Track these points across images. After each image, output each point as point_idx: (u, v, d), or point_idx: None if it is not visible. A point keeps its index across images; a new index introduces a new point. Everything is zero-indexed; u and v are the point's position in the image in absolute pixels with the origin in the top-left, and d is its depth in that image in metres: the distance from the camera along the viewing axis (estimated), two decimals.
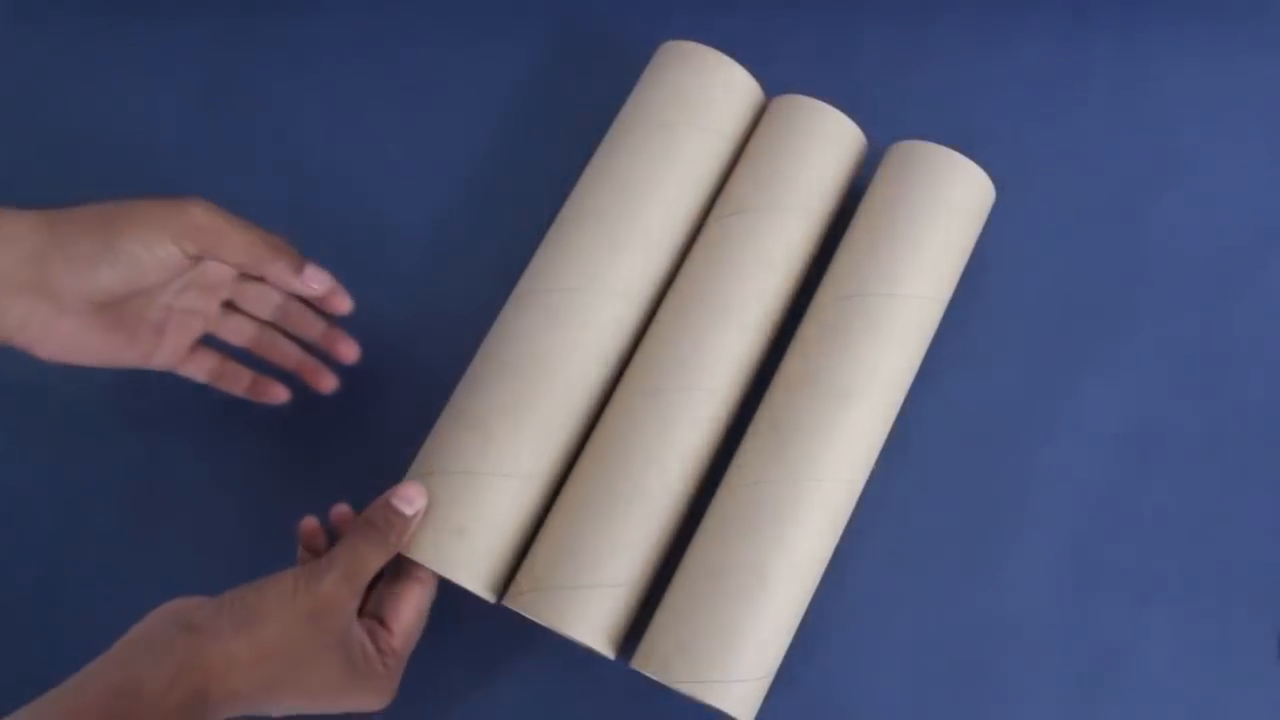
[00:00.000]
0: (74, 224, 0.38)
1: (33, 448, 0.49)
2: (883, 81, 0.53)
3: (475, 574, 0.41)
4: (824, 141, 0.47)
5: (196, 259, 0.40)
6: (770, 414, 0.43)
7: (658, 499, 0.42)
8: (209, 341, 0.45)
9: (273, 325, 0.46)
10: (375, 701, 0.39)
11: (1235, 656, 0.45)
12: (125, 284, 0.38)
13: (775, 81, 0.49)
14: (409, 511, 0.40)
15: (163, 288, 0.42)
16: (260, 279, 0.43)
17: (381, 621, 0.41)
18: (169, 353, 0.43)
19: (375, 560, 0.39)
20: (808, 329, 0.45)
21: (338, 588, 0.38)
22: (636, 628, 0.43)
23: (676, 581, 0.42)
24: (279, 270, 0.41)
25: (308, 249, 0.43)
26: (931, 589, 0.46)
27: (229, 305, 0.45)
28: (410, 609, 0.41)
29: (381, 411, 0.49)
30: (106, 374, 0.44)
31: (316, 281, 0.43)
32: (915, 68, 0.54)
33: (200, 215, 0.38)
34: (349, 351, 0.45)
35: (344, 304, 0.45)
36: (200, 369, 0.45)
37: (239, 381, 0.46)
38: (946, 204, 0.45)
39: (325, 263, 0.44)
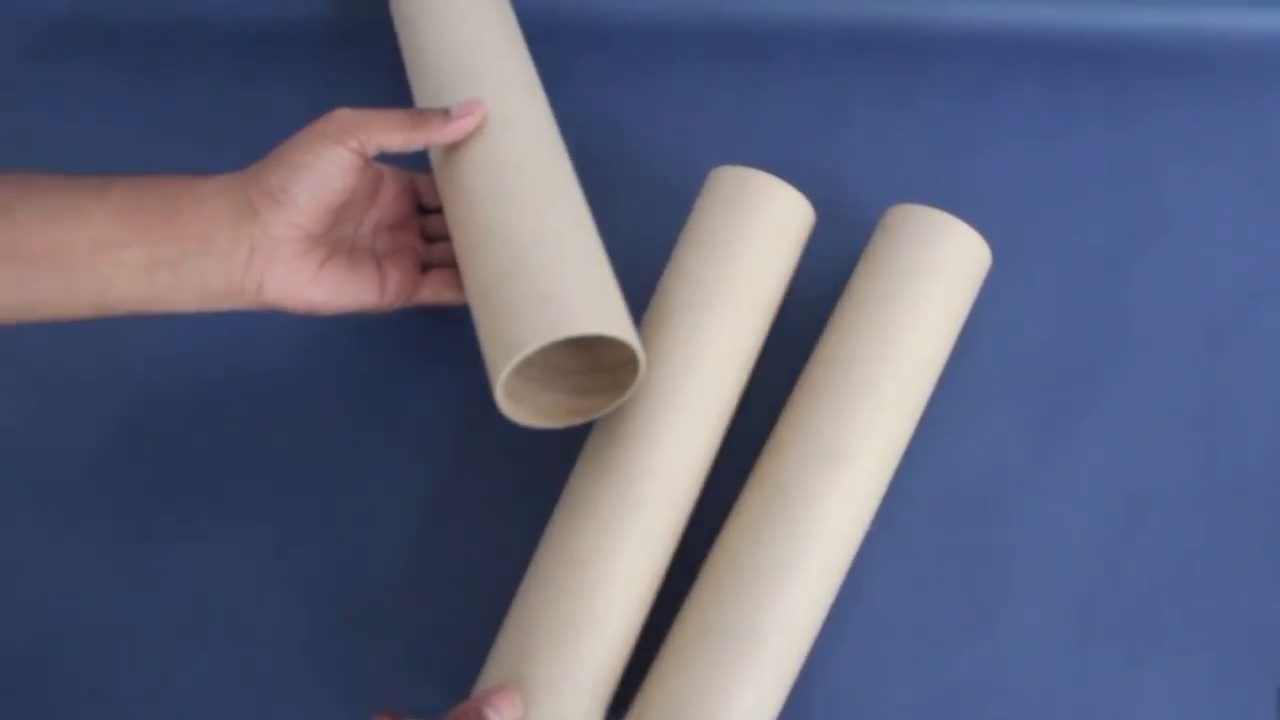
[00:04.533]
0: (256, 166, 0.41)
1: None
2: (873, 146, 0.54)
3: None
4: (769, 219, 0.46)
5: (363, 155, 0.42)
6: (764, 476, 0.43)
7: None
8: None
9: None
10: None
11: (1235, 713, 0.45)
12: (317, 199, 0.41)
13: (767, 150, 0.49)
14: None
15: (357, 208, 0.46)
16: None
17: None
18: (397, 286, 0.45)
19: None
20: (803, 391, 0.45)
21: None
22: (627, 686, 0.42)
23: (667, 645, 0.42)
24: (432, 130, 0.43)
25: None
26: (927, 650, 0.46)
27: (430, 240, 0.49)
28: None
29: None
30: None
31: (469, 116, 0.44)
32: (904, 132, 0.54)
33: (345, 113, 0.42)
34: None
35: None
36: (439, 288, 0.47)
37: None
38: (943, 268, 0.45)
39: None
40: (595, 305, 0.40)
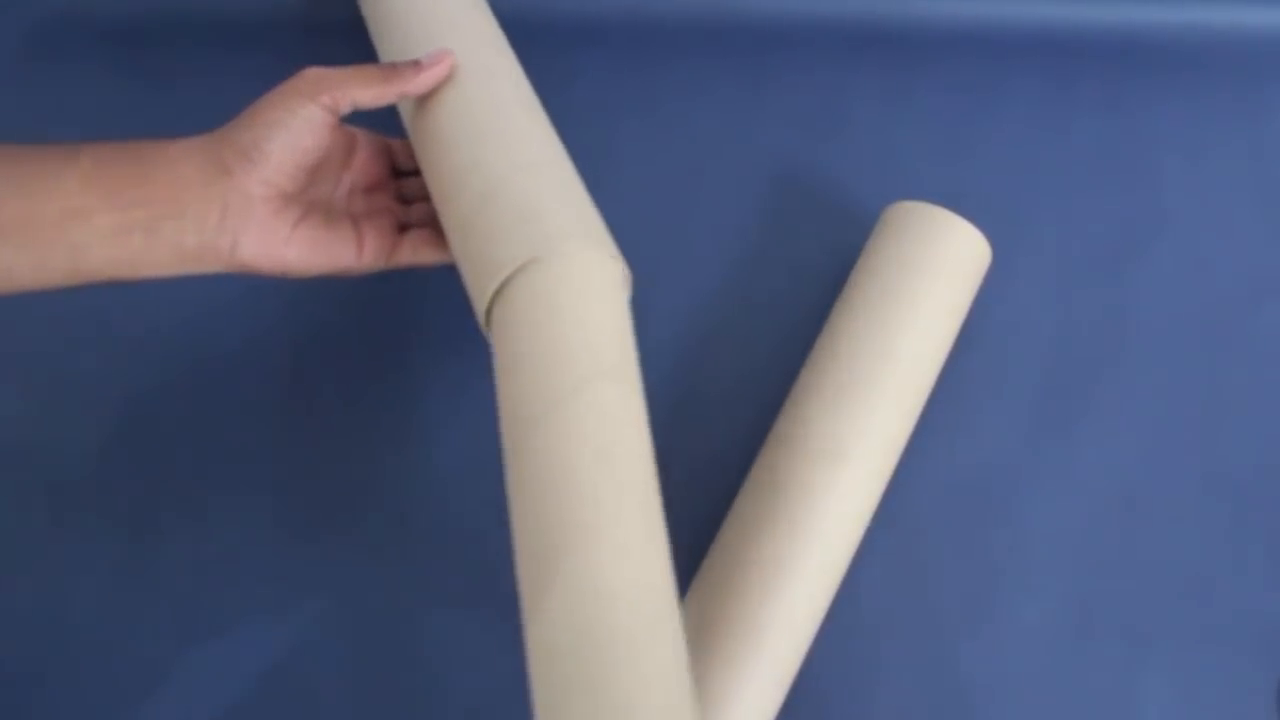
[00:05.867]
0: (227, 127, 0.42)
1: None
2: (873, 144, 0.54)
3: None
4: None
5: (335, 112, 0.42)
6: (764, 474, 0.43)
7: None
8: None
9: None
10: None
11: (1234, 709, 0.45)
12: (291, 156, 0.41)
13: (767, 148, 0.49)
14: None
15: (331, 169, 0.46)
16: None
17: None
18: (375, 246, 0.45)
19: None
20: (803, 389, 0.45)
21: None
22: None
23: None
24: (405, 82, 0.43)
25: None
26: (927, 648, 0.46)
27: (406, 201, 0.48)
28: None
29: None
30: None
31: (439, 65, 0.44)
32: (904, 130, 0.54)
33: (314, 71, 0.42)
34: None
35: None
36: (418, 246, 0.46)
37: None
38: (943, 265, 0.45)
39: None
40: (578, 223, 0.40)
